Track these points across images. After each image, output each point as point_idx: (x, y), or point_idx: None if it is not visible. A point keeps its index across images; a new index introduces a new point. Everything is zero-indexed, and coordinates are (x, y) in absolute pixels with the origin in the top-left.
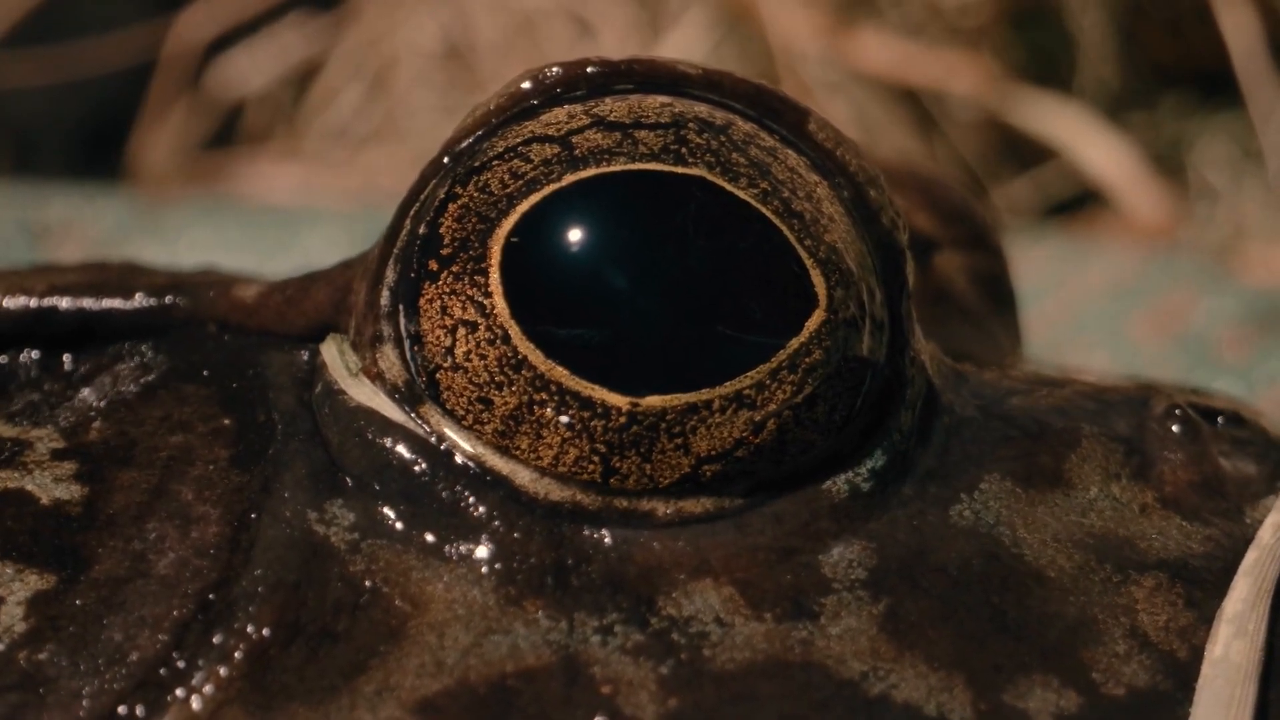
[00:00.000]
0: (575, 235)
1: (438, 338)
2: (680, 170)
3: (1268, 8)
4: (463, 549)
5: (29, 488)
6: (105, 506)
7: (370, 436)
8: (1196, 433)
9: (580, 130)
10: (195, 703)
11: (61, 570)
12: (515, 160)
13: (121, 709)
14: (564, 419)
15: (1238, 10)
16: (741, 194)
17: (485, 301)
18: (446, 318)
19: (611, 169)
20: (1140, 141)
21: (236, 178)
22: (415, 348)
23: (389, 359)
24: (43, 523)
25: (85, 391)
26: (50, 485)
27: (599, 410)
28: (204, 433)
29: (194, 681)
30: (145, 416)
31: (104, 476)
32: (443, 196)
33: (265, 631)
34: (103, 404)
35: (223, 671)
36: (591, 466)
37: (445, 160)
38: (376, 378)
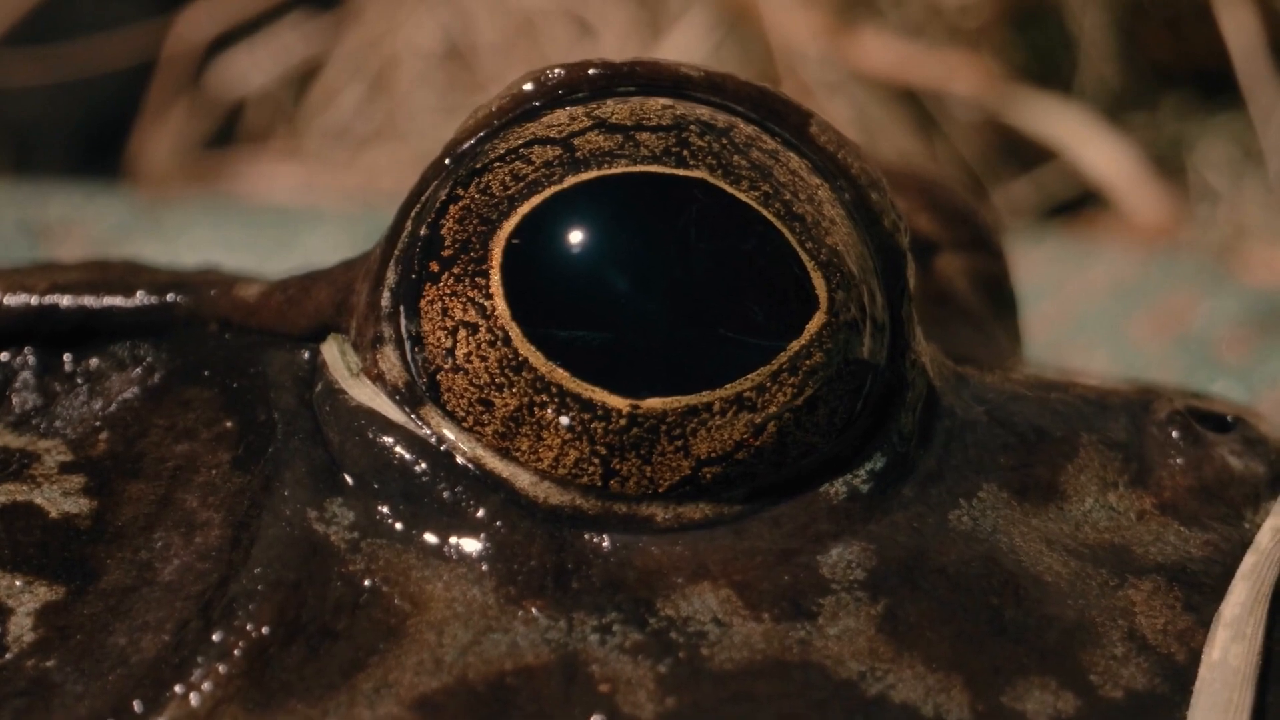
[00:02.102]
0: (576, 237)
1: (438, 339)
2: (682, 173)
3: (1268, 8)
4: (462, 550)
5: (38, 501)
6: (113, 519)
7: (371, 437)
8: (1196, 438)
9: (582, 132)
10: (194, 700)
11: (70, 582)
12: (517, 162)
13: (121, 708)
14: (564, 421)
15: (1238, 10)
16: (743, 196)
17: (486, 303)
18: (447, 319)
19: (613, 171)
20: (1140, 142)
21: (236, 177)
22: (416, 349)
23: (390, 360)
24: (52, 536)
25: (89, 395)
26: (59, 499)
27: (599, 412)
28: (207, 439)
29: (193, 679)
30: (150, 425)
31: (111, 490)
32: (444, 198)
33: (265, 629)
34: (108, 411)
35: (222, 669)
36: (591, 469)
37: (446, 161)
38: (377, 378)
